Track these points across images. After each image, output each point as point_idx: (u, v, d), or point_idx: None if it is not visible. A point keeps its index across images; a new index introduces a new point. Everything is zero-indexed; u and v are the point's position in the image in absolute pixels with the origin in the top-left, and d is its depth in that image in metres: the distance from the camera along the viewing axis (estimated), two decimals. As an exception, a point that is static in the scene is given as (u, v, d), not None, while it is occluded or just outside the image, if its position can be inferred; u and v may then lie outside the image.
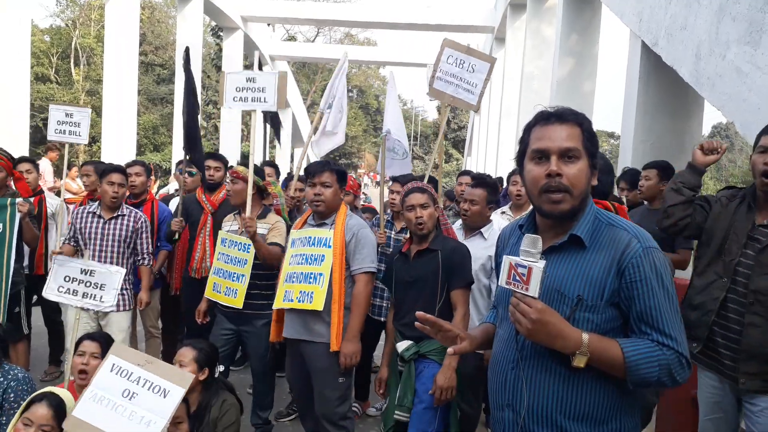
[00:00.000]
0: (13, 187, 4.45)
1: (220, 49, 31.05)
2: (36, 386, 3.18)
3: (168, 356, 5.06)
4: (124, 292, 4.12)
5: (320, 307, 2.97)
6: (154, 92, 32.88)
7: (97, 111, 27.90)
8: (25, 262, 4.54)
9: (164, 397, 2.10)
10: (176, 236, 4.55)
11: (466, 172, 5.78)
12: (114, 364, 2.20)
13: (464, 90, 4.08)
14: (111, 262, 4.05)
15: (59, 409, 2.25)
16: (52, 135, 4.33)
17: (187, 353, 2.94)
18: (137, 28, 11.67)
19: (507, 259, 1.50)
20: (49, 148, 11.08)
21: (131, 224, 4.18)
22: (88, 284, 3.21)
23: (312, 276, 3.03)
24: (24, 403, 2.26)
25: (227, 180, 4.24)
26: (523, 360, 1.61)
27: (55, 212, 4.82)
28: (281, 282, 3.19)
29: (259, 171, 3.86)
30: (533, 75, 11.10)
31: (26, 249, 4.48)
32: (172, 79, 32.78)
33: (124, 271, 3.31)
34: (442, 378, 2.78)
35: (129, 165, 4.81)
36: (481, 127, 20.22)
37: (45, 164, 10.69)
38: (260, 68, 5.72)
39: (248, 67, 22.25)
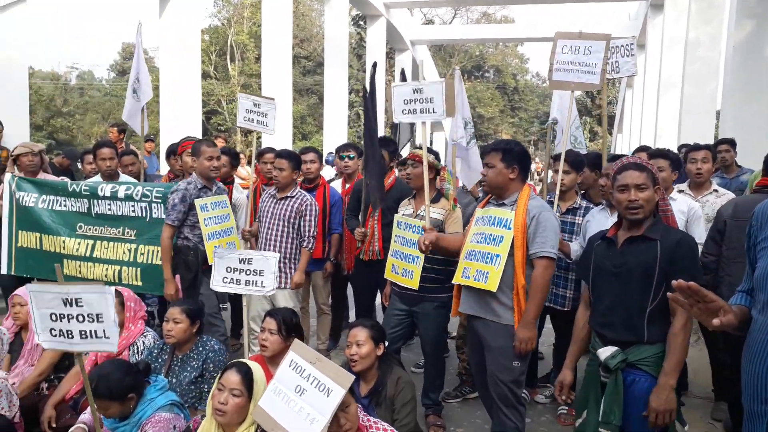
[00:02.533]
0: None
1: (361, 38, 32.05)
2: (228, 357, 3.54)
3: (335, 330, 5.40)
4: (289, 271, 4.38)
5: (494, 288, 2.96)
6: (300, 83, 34.58)
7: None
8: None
9: (327, 395, 2.21)
10: (358, 245, 4.67)
11: (643, 148, 5.38)
12: (292, 360, 2.37)
13: (584, 73, 4.10)
14: (275, 239, 4.35)
15: (247, 376, 2.47)
16: (241, 122, 4.67)
17: (360, 333, 3.07)
18: (291, 23, 12.27)
19: None
20: (216, 136, 12.08)
21: (296, 205, 4.40)
22: (248, 272, 3.46)
23: (489, 256, 3.03)
24: (221, 371, 2.52)
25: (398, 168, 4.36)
26: None
27: (236, 203, 5.24)
28: (462, 257, 3.23)
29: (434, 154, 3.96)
30: (699, 42, 10.14)
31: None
32: (317, 71, 34.33)
33: (278, 255, 3.52)
34: (658, 400, 2.43)
35: (303, 152, 5.11)
36: (634, 101, 18.92)
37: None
38: (403, 79, 5.70)
39: (390, 53, 22.65)
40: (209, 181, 4.33)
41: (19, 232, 5.08)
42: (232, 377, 2.44)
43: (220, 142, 11.59)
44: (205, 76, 33.21)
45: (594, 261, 2.75)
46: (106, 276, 4.68)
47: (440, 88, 3.62)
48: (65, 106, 35.73)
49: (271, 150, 5.42)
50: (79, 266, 4.81)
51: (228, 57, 33.55)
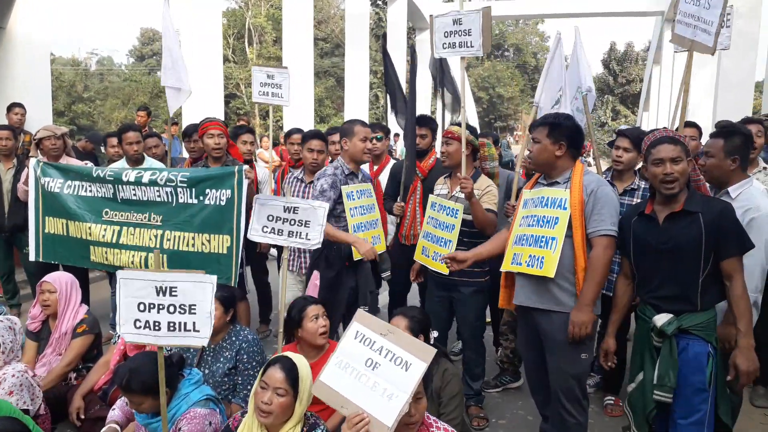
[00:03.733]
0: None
1: (380, 18, 31.67)
2: (262, 347, 3.39)
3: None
4: None
5: (551, 274, 2.76)
6: (318, 65, 34.34)
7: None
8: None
9: (406, 370, 1.99)
10: (398, 219, 4.49)
11: (691, 124, 4.99)
12: (358, 332, 2.14)
13: (701, 31, 3.57)
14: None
15: (292, 373, 2.27)
16: (256, 97, 4.50)
17: (400, 323, 2.89)
18: (311, 4, 12.07)
19: None
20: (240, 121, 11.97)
21: None
22: (292, 222, 3.13)
23: (543, 240, 2.82)
24: (262, 368, 2.33)
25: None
26: None
27: (262, 180, 5.12)
28: (510, 243, 3.04)
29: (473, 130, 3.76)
30: (740, 13, 9.67)
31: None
32: (335, 52, 34.09)
33: (327, 205, 3.21)
34: (746, 361, 2.49)
35: (330, 132, 4.94)
36: (663, 78, 18.37)
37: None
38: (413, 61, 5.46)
39: (411, 31, 22.25)
40: (357, 166, 3.83)
41: (46, 218, 4.98)
42: (277, 375, 2.25)
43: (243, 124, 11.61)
44: (222, 59, 33.03)
45: (635, 238, 2.76)
46: (132, 263, 4.55)
47: (478, 18, 3.52)
48: (86, 92, 36.00)
49: (298, 131, 5.25)
50: (106, 253, 4.69)
51: (246, 40, 33.40)
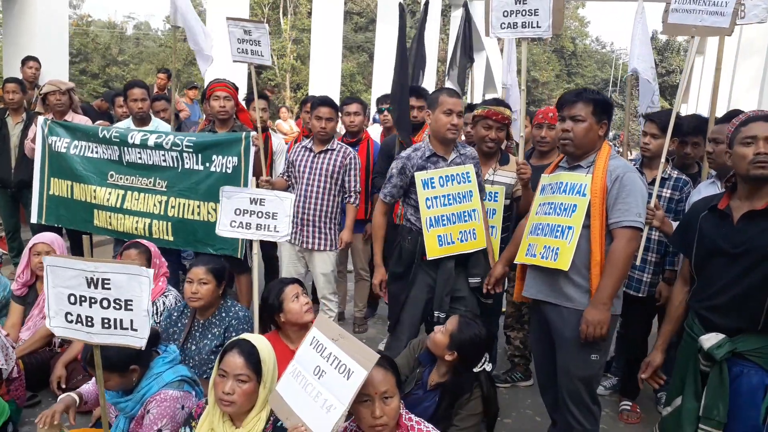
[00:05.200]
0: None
1: (425, 17, 30.90)
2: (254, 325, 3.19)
3: (373, 297, 5.02)
4: (329, 231, 4.03)
5: (566, 267, 2.49)
6: (351, 40, 33.97)
7: (303, 59, 29.53)
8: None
9: (347, 378, 1.81)
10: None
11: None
12: (314, 338, 1.98)
13: (709, 14, 3.30)
14: (316, 196, 3.99)
15: (252, 357, 2.08)
16: (235, 55, 4.20)
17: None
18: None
19: None
20: (261, 89, 11.75)
21: (339, 159, 4.04)
22: (260, 214, 3.05)
23: (559, 229, 2.55)
24: (219, 354, 2.13)
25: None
26: None
27: (277, 150, 4.90)
28: (525, 233, 2.77)
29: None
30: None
31: (253, 180, 4.56)
32: (369, 27, 33.55)
33: (293, 196, 3.09)
34: None
35: (346, 102, 4.69)
36: (705, 69, 17.60)
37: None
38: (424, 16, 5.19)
39: (446, 10, 21.71)
40: (445, 146, 3.20)
41: (51, 179, 4.85)
42: (236, 360, 2.04)
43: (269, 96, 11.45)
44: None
45: (700, 236, 2.33)
46: (136, 229, 4.40)
47: None
48: (120, 56, 36.15)
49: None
50: (110, 217, 4.55)
51: (281, 11, 33.08)
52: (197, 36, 5.06)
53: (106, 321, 2.06)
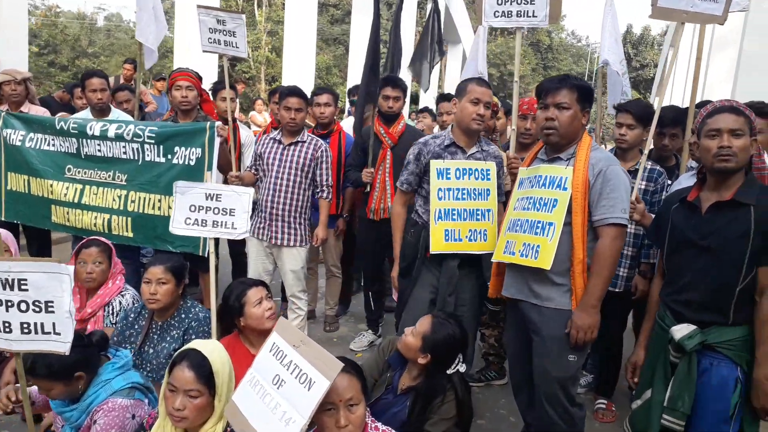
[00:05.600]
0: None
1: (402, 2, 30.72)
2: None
3: (345, 295, 4.89)
4: (299, 227, 3.88)
5: (547, 266, 2.38)
6: (328, 32, 33.64)
7: (278, 52, 29.15)
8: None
9: (308, 389, 1.67)
10: (367, 188, 4.15)
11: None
12: (274, 343, 1.84)
13: (703, 0, 3.15)
14: (285, 190, 3.83)
15: (203, 369, 1.93)
16: (205, 45, 3.93)
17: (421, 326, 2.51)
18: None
19: None
20: (235, 81, 11.49)
21: (310, 152, 3.87)
22: (216, 210, 2.91)
23: (539, 225, 2.43)
24: (168, 366, 1.98)
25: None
26: None
27: (246, 142, 4.73)
28: (503, 229, 2.65)
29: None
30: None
31: (220, 176, 4.36)
32: (346, 20, 33.27)
33: (251, 191, 2.94)
34: (764, 397, 2.06)
35: (316, 93, 4.54)
36: (679, 63, 17.72)
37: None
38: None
39: (422, 3, 21.53)
40: (469, 138, 3.06)
41: (9, 173, 4.62)
42: (185, 375, 1.89)
43: (240, 87, 11.21)
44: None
45: (672, 228, 2.32)
46: (95, 225, 4.20)
47: None
48: (91, 47, 35.29)
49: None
50: (68, 213, 4.35)
51: (255, 2, 32.61)
52: (148, 25, 4.81)
53: (25, 326, 1.90)
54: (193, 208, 2.92)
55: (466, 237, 2.94)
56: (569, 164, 2.43)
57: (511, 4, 3.19)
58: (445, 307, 2.92)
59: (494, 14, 3.25)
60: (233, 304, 2.73)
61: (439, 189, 2.95)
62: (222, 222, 2.91)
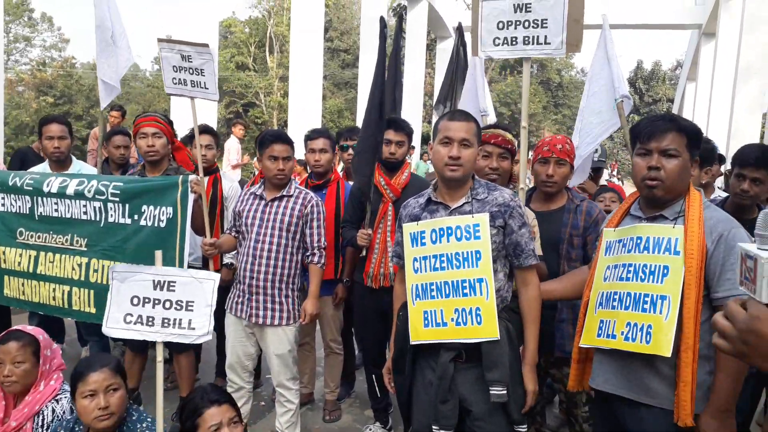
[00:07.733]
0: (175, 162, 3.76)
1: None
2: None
3: (348, 374, 4.17)
4: (285, 300, 3.21)
5: (667, 351, 1.82)
6: (339, 77, 33.79)
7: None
8: (196, 255, 3.80)
9: None
10: (363, 252, 3.49)
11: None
12: None
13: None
14: (269, 256, 3.17)
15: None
16: (169, 87, 3.43)
17: None
18: (322, 14, 11.39)
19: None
20: (234, 123, 11.11)
21: (297, 208, 3.22)
22: (167, 304, 2.31)
23: (648, 299, 1.88)
24: None
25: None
26: None
27: (228, 195, 4.11)
28: (592, 306, 2.08)
29: None
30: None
31: (196, 239, 3.72)
32: (356, 64, 33.36)
33: (217, 276, 2.34)
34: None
35: (310, 137, 3.92)
36: (699, 96, 17.12)
37: (231, 142, 10.72)
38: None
39: (431, 45, 21.34)
40: (452, 188, 2.32)
41: None
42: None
43: (237, 131, 10.85)
44: (243, 67, 32.66)
45: None
46: (54, 299, 3.58)
47: (560, 4, 2.53)
48: (105, 97, 35.70)
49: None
50: (23, 285, 3.73)
51: (267, 49, 32.94)
52: (108, 57, 4.24)
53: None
54: (136, 301, 2.31)
55: (452, 320, 2.19)
56: (677, 223, 1.94)
57: (515, 28, 2.65)
58: (438, 419, 2.19)
59: (494, 42, 2.72)
60: (186, 421, 2.07)
61: (414, 259, 2.28)
62: (175, 320, 2.30)
